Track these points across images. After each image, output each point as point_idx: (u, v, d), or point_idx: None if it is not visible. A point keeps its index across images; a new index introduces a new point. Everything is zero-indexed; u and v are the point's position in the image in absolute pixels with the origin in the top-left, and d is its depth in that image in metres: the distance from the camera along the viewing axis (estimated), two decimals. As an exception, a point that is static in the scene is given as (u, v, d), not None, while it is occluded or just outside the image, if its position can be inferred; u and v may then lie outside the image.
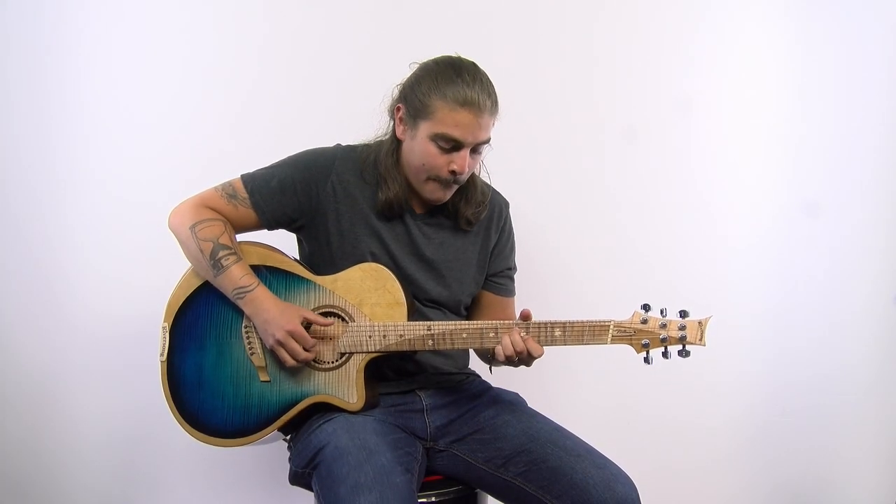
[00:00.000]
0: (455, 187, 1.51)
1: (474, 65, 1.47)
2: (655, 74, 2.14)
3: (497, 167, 1.60)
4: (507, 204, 1.67)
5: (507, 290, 1.66)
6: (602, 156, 2.15)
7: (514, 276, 1.70)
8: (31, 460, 2.08)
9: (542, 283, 1.85)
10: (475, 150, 1.46)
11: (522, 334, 1.40)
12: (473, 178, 1.56)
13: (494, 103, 1.45)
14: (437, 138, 1.43)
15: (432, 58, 1.50)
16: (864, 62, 2.11)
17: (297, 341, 1.43)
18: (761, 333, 2.18)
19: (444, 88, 1.41)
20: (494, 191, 1.65)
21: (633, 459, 1.47)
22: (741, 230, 2.17)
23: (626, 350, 1.40)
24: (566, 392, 1.54)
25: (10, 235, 2.03)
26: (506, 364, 1.46)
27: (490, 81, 1.46)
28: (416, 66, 1.52)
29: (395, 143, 1.51)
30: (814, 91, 2.13)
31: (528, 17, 2.11)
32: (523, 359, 1.42)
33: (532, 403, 1.61)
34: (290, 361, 1.44)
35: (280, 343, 1.43)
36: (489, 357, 1.52)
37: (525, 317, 1.42)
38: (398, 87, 1.52)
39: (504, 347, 1.41)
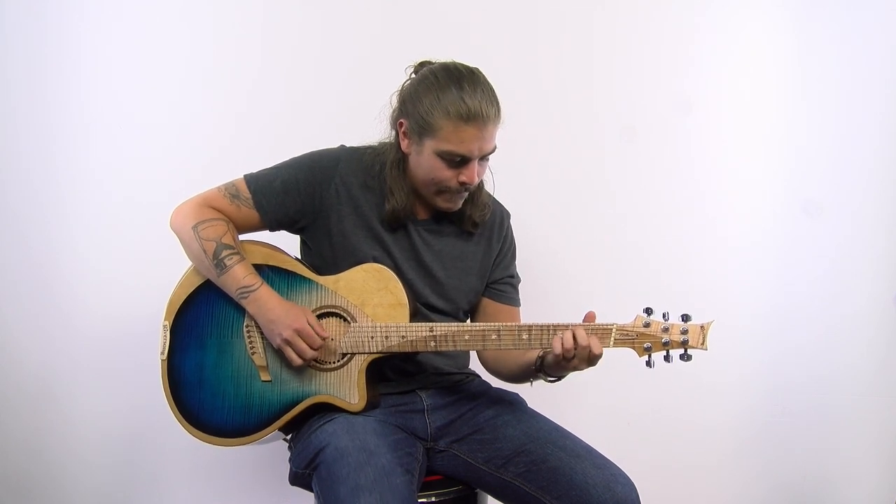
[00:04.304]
0: (466, 195, 1.51)
1: (473, 73, 1.45)
2: (655, 74, 2.14)
3: (497, 170, 1.59)
4: (508, 214, 1.67)
5: (508, 297, 1.65)
6: (602, 157, 2.15)
7: (518, 286, 1.68)
8: (31, 460, 2.08)
9: (543, 287, 1.85)
10: (483, 157, 1.46)
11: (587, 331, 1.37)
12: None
13: (497, 111, 1.43)
14: (443, 154, 1.42)
15: (430, 65, 1.48)
16: (864, 62, 2.11)
17: (304, 340, 1.43)
18: (761, 333, 2.18)
19: (446, 105, 1.39)
20: (495, 200, 1.65)
21: (633, 459, 1.47)
22: (741, 230, 2.17)
23: (626, 352, 1.40)
24: (566, 392, 1.54)
25: (10, 235, 2.03)
26: (557, 367, 1.41)
27: (491, 87, 1.44)
28: (412, 69, 1.51)
29: (399, 154, 1.50)
30: (814, 91, 2.13)
31: (528, 19, 2.11)
32: (580, 355, 1.36)
33: (532, 403, 1.61)
34: (297, 361, 1.44)
35: (287, 342, 1.43)
36: (535, 369, 1.47)
37: (589, 318, 1.40)
38: (397, 96, 1.51)
39: (566, 342, 1.35)
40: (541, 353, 1.46)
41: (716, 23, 2.14)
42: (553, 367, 1.42)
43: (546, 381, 1.49)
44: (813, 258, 2.15)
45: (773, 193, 2.16)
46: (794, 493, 2.22)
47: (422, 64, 1.51)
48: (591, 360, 1.37)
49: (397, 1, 2.10)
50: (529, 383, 1.55)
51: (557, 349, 1.36)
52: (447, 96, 1.39)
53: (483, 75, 1.46)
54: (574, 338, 1.36)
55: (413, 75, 1.51)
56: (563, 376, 1.47)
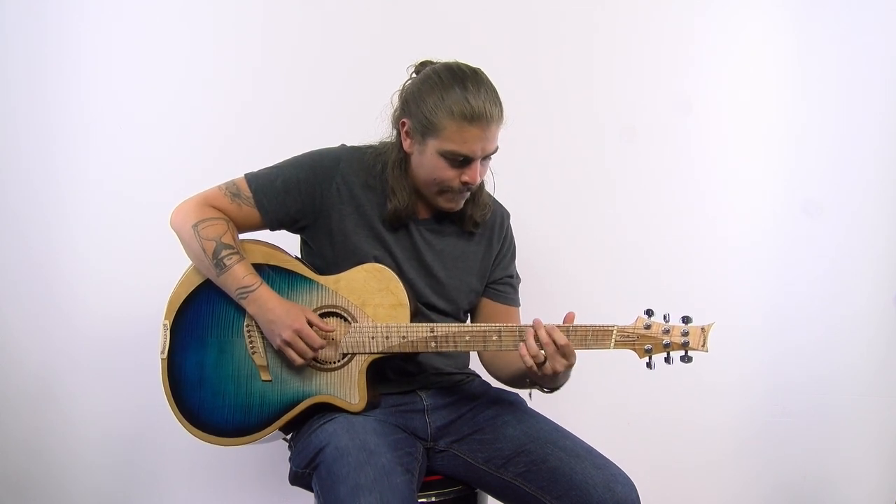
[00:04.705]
0: (468, 195, 1.51)
1: (476, 73, 1.45)
2: (655, 74, 2.14)
3: (497, 171, 1.59)
4: (508, 214, 1.67)
5: (507, 297, 1.64)
6: (602, 157, 2.15)
7: (518, 286, 1.68)
8: (31, 460, 2.08)
9: (543, 288, 1.85)
10: (485, 157, 1.46)
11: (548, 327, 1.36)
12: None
13: (500, 111, 1.43)
14: (446, 154, 1.42)
15: (433, 65, 1.48)
16: (864, 62, 2.11)
17: (304, 340, 1.43)
18: (761, 333, 2.18)
19: (450, 105, 1.39)
20: (495, 200, 1.65)
21: (633, 459, 1.47)
22: (741, 230, 2.17)
23: (627, 353, 1.40)
24: (566, 392, 1.54)
25: (10, 235, 2.03)
26: (533, 374, 1.39)
27: (494, 87, 1.44)
28: (413, 69, 1.51)
29: (401, 154, 1.50)
30: (814, 91, 2.13)
31: (528, 19, 2.11)
32: (551, 354, 1.35)
33: (532, 403, 1.61)
34: (298, 361, 1.44)
35: (287, 343, 1.43)
36: (528, 381, 1.47)
37: (569, 320, 1.39)
38: (399, 95, 1.51)
39: (529, 347, 1.35)
40: None
41: (716, 23, 2.14)
42: (536, 377, 1.41)
43: (542, 391, 1.49)
44: (813, 258, 2.15)
45: (773, 193, 2.16)
46: (794, 493, 2.22)
47: (423, 64, 1.51)
48: (565, 354, 1.36)
49: (397, 1, 2.10)
50: (529, 395, 1.54)
51: (528, 361, 1.36)
52: (451, 96, 1.39)
53: (486, 75, 1.46)
54: (536, 340, 1.35)
55: (415, 75, 1.51)
56: (558, 387, 1.46)
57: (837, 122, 2.13)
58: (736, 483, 2.23)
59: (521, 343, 1.38)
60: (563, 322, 1.39)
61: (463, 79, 1.41)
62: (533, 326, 1.38)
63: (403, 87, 1.51)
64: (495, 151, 1.46)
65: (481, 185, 1.56)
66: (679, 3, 2.14)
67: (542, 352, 1.36)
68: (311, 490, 1.42)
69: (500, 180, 1.63)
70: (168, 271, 1.56)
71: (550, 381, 1.43)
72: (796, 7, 2.13)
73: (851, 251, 2.15)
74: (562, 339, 1.35)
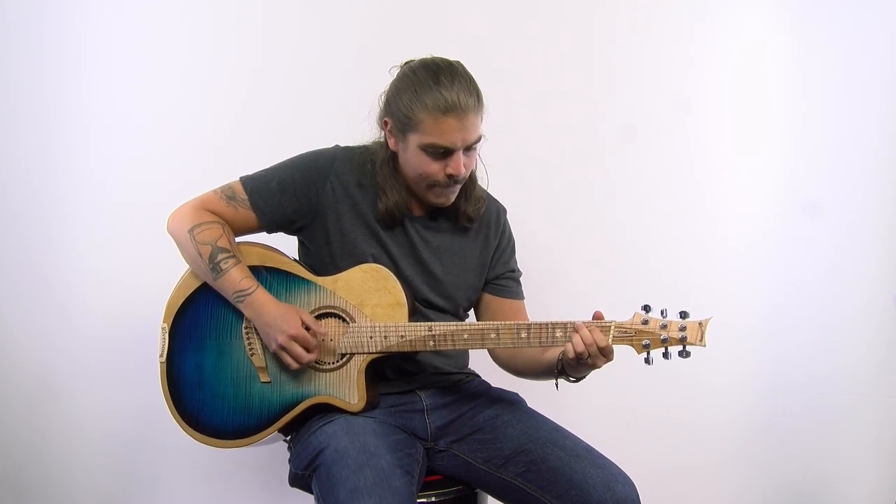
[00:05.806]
0: (458, 188, 1.51)
1: (451, 65, 1.45)
2: (655, 74, 2.14)
3: (495, 168, 1.59)
4: (504, 210, 1.67)
5: (511, 291, 1.65)
6: (601, 156, 2.15)
7: (520, 279, 1.68)
8: (31, 460, 2.08)
9: (541, 285, 1.85)
10: (469, 148, 1.46)
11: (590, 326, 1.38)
12: (471, 175, 1.55)
13: (478, 100, 1.44)
14: (427, 148, 1.42)
15: (410, 63, 1.49)
16: (864, 62, 2.11)
17: (300, 343, 1.43)
18: (761, 333, 2.18)
19: (424, 98, 1.40)
20: (491, 196, 1.65)
21: (633, 459, 1.47)
22: (741, 230, 2.17)
23: (625, 350, 1.40)
24: (566, 392, 1.54)
25: (10, 236, 2.03)
26: (575, 365, 1.41)
27: (470, 78, 1.45)
28: (397, 69, 1.52)
29: (388, 153, 1.51)
30: (814, 91, 2.13)
31: (528, 19, 2.11)
32: (593, 353, 1.37)
33: (532, 403, 1.61)
34: (293, 365, 1.44)
35: (283, 347, 1.43)
36: (556, 371, 1.47)
37: (597, 317, 1.40)
38: (383, 97, 1.51)
39: (575, 344, 1.36)
40: (560, 355, 1.45)
41: (716, 23, 2.14)
42: (572, 368, 1.42)
43: (568, 381, 1.49)
44: (813, 258, 2.15)
45: (773, 193, 2.16)
46: (794, 493, 2.22)
47: (406, 63, 1.51)
48: (605, 353, 1.38)
49: (397, 1, 2.10)
50: (555, 386, 1.52)
51: (571, 353, 1.37)
52: (425, 90, 1.40)
53: (462, 67, 1.46)
54: (581, 339, 1.36)
55: None
56: (585, 376, 1.47)
57: (837, 122, 2.13)
58: (736, 483, 2.23)
59: (568, 343, 1.38)
60: (592, 319, 1.40)
61: (436, 72, 1.42)
62: (573, 325, 1.39)
63: (387, 87, 1.51)
64: (477, 141, 1.46)
65: (473, 180, 1.56)
66: (679, 3, 2.14)
67: (587, 349, 1.36)
68: (311, 492, 1.42)
69: (500, 180, 1.63)
70: (168, 271, 1.56)
71: (580, 373, 1.44)
72: (796, 7, 2.13)
73: (851, 251, 2.15)
74: (603, 341, 1.36)
